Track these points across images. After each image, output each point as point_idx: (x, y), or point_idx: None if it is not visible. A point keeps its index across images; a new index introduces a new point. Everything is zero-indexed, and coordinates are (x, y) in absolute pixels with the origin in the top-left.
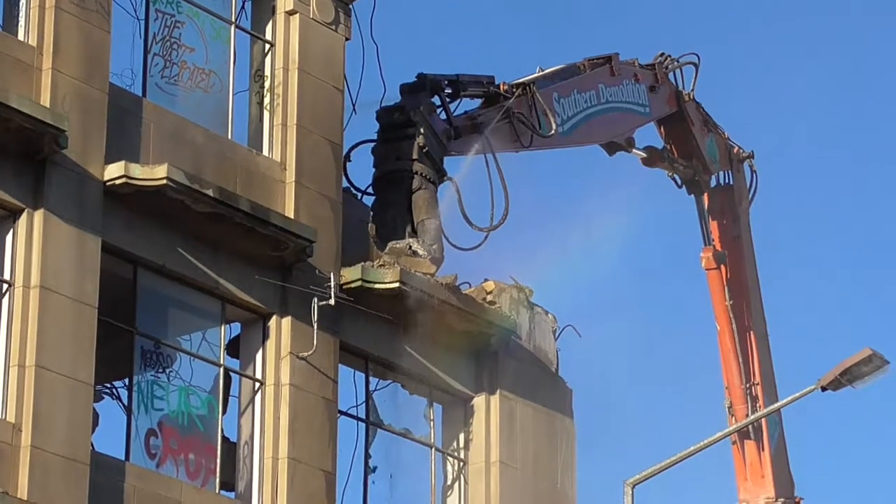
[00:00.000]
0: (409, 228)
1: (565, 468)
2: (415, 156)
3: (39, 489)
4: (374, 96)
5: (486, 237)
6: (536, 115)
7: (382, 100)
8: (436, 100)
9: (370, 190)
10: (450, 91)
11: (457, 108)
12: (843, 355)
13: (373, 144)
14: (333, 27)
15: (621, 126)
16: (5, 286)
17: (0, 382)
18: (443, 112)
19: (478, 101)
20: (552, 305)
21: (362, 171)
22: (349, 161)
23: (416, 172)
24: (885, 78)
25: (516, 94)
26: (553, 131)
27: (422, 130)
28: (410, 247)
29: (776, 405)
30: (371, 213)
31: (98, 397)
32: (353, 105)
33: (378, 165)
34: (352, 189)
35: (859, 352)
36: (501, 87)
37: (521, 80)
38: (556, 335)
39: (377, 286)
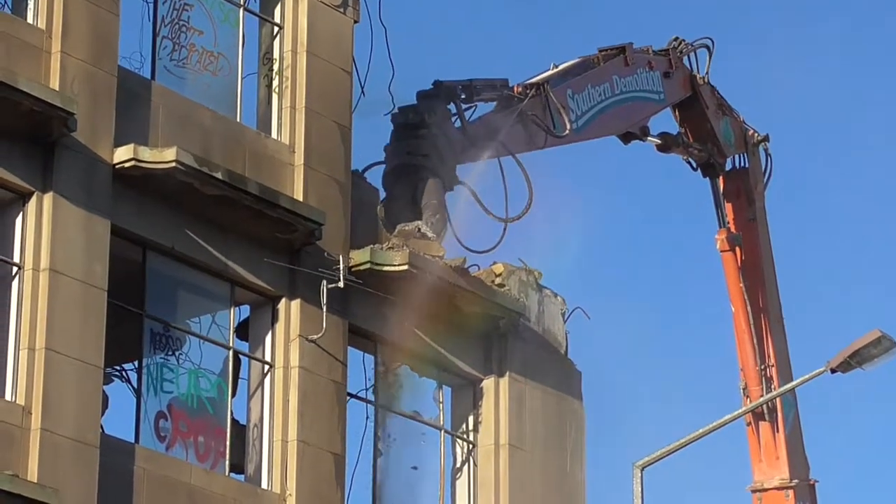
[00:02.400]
0: (413, 217)
1: (574, 450)
2: (426, 152)
3: (49, 472)
4: (383, 79)
5: (504, 230)
6: (551, 115)
7: (391, 84)
8: (451, 107)
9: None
10: (464, 96)
11: (472, 114)
12: (855, 337)
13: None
14: (342, 10)
15: (636, 115)
16: (15, 269)
17: (10, 365)
18: (457, 120)
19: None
20: (561, 288)
21: (370, 153)
22: (360, 175)
23: (425, 167)
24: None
25: (530, 95)
26: (567, 130)
27: (434, 132)
28: (419, 229)
29: (784, 388)
30: (381, 204)
31: (107, 380)
32: (362, 88)
33: (389, 161)
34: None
35: (868, 333)
36: (515, 89)
37: (534, 80)
38: (565, 318)
39: (386, 268)
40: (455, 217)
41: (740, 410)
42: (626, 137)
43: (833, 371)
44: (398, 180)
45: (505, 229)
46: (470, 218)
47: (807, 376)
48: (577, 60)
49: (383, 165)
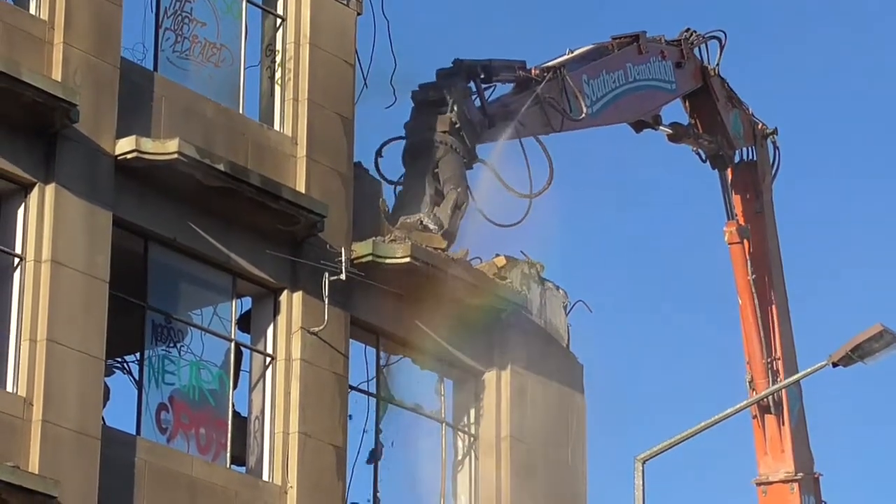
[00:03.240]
0: (431, 192)
1: (576, 444)
2: (445, 128)
3: (50, 463)
4: (385, 71)
5: (528, 206)
6: (567, 99)
7: (393, 76)
8: (471, 85)
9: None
10: (482, 76)
11: (491, 94)
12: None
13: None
14: (345, 2)
15: (649, 104)
16: (17, 260)
17: (11, 357)
18: (477, 99)
19: (509, 86)
20: (564, 281)
21: (373, 145)
22: (381, 157)
23: (444, 143)
24: None
25: (547, 78)
26: (583, 114)
27: (455, 108)
28: (421, 221)
29: (786, 381)
30: (400, 185)
31: (109, 372)
32: (365, 80)
33: (409, 136)
34: (384, 180)
35: (870, 328)
36: (532, 71)
37: (551, 64)
38: (567, 310)
39: (388, 261)
40: (476, 194)
41: (743, 403)
42: (639, 126)
43: (835, 365)
44: (419, 155)
45: (530, 205)
46: (490, 197)
47: (808, 370)
48: (591, 47)
49: (402, 143)
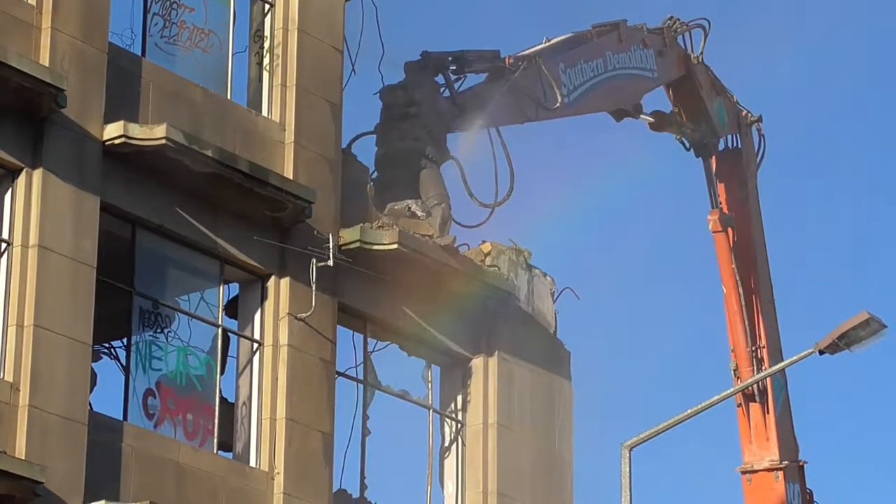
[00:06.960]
0: (414, 205)
1: (563, 430)
2: (418, 135)
3: (37, 449)
4: (374, 57)
5: (490, 213)
6: (542, 87)
7: (381, 62)
8: (440, 78)
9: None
10: (454, 68)
11: (461, 84)
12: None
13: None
14: None
15: (629, 92)
16: (4, 245)
17: None
18: (446, 90)
19: (483, 76)
20: (550, 267)
21: (355, 129)
22: (351, 153)
23: (420, 151)
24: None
25: (521, 67)
26: (559, 104)
27: (424, 110)
28: (409, 208)
29: (772, 369)
30: (374, 191)
31: (96, 357)
32: (353, 66)
33: (381, 145)
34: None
35: (856, 315)
36: (507, 60)
37: (526, 53)
38: (555, 297)
39: (376, 247)
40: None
41: (728, 391)
42: (619, 114)
43: (821, 352)
44: (394, 167)
45: (491, 213)
46: (461, 191)
47: (795, 357)
48: (569, 35)
49: (374, 141)
